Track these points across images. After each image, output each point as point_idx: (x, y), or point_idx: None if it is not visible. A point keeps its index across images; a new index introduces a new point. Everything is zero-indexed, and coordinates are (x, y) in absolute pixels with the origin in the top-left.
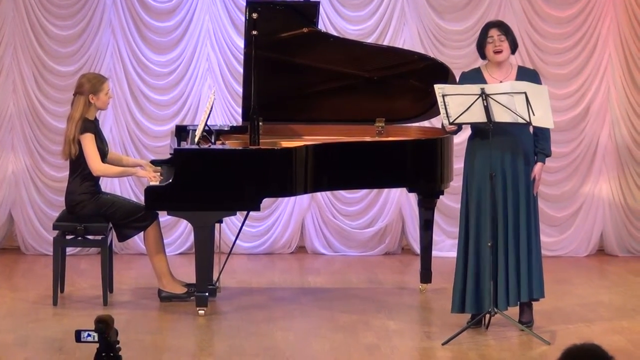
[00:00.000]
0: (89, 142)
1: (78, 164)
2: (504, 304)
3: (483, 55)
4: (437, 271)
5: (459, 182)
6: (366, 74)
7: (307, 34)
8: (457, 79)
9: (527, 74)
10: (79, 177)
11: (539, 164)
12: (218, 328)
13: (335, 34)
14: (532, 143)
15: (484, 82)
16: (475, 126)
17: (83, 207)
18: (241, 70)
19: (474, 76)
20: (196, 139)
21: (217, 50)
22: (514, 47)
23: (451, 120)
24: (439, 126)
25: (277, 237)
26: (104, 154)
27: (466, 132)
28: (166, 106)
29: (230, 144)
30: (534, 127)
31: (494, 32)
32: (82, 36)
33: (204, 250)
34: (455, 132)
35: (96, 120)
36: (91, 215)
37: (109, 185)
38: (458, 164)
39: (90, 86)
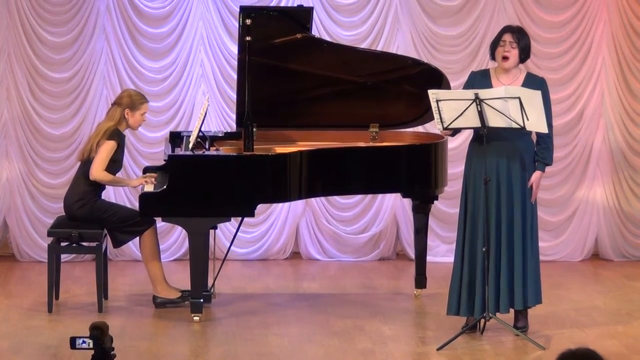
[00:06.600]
0: (106, 148)
1: (89, 166)
2: (494, 310)
3: (493, 56)
4: (431, 276)
5: (454, 187)
6: (360, 79)
7: (301, 40)
8: (466, 78)
9: (535, 82)
10: (85, 178)
11: (537, 173)
12: (213, 334)
13: (329, 39)
14: (530, 149)
15: (490, 86)
16: (475, 129)
17: (81, 206)
18: (235, 76)
19: (480, 79)
20: (190, 145)
21: (211, 56)
22: (524, 56)
23: (445, 126)
24: (433, 131)
25: (271, 243)
26: (114, 167)
27: (462, 136)
28: (160, 112)
29: (224, 150)
30: (537, 135)
31: (507, 37)
32: (76, 43)
33: (199, 256)
34: (452, 135)
35: (124, 135)
36: (86, 218)
37: (103, 193)
38: (453, 169)
39: (129, 101)
